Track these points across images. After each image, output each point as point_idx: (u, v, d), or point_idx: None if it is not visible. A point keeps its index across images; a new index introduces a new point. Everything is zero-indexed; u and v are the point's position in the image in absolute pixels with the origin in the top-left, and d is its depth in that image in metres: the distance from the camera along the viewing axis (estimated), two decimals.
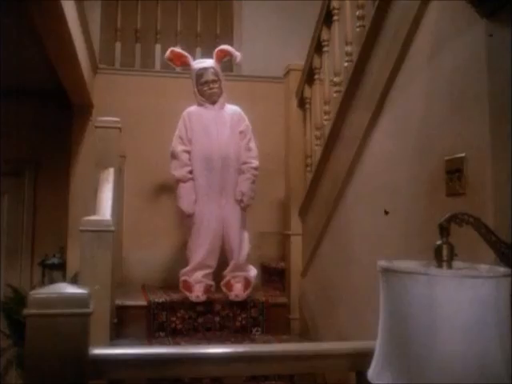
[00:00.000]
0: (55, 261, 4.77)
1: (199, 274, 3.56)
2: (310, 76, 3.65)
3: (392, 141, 2.44)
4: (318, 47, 3.47)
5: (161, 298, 3.64)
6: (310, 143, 3.67)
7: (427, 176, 2.07)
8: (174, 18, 5.01)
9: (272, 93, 4.51)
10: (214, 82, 3.62)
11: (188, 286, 3.54)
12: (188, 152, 3.60)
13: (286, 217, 3.93)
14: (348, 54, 2.97)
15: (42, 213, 5.36)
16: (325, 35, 3.35)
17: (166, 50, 4.92)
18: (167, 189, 4.32)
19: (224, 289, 3.60)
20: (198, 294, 3.52)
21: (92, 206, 2.81)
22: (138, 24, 4.96)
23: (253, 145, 3.70)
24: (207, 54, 5.06)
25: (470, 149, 1.78)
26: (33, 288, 3.61)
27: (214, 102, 3.65)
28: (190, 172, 3.58)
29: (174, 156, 3.62)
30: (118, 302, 3.42)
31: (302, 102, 3.78)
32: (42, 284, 4.50)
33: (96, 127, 3.24)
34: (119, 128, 3.24)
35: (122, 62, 4.89)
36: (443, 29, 2.00)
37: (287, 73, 3.94)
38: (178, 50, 3.78)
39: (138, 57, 4.93)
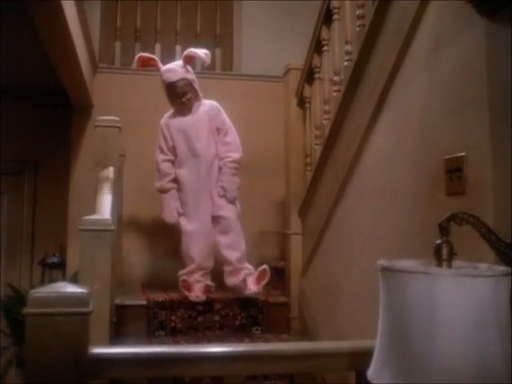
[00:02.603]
0: (55, 260, 4.78)
1: (197, 275, 3.57)
2: (309, 75, 3.65)
3: (392, 140, 2.44)
4: (317, 46, 3.47)
5: (160, 297, 3.63)
6: (310, 142, 3.67)
7: (427, 175, 2.07)
8: (174, 17, 5.00)
9: (272, 92, 4.51)
10: (185, 93, 3.52)
11: (188, 286, 3.53)
12: (169, 161, 3.60)
13: (286, 216, 3.93)
14: (348, 53, 2.97)
15: (41, 212, 5.37)
16: (325, 34, 3.35)
17: (166, 49, 4.96)
18: None
19: (242, 285, 3.58)
20: (197, 293, 3.51)
21: (92, 205, 2.81)
22: (138, 23, 4.95)
23: (230, 138, 3.64)
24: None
25: (469, 148, 1.78)
26: (33, 287, 3.61)
27: (189, 110, 3.60)
28: (173, 181, 3.59)
29: (156, 167, 3.66)
30: (118, 301, 3.42)
31: (302, 102, 3.78)
32: (42, 283, 4.51)
33: (96, 126, 3.24)
34: (119, 127, 3.24)
35: (121, 62, 4.89)
36: (443, 28, 2.00)
37: (287, 72, 3.93)
38: (144, 54, 3.64)
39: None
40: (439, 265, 1.23)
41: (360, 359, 1.51)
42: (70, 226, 4.33)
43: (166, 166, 3.60)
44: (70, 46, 3.41)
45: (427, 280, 1.13)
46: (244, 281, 3.56)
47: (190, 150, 3.55)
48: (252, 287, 3.54)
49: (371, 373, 1.26)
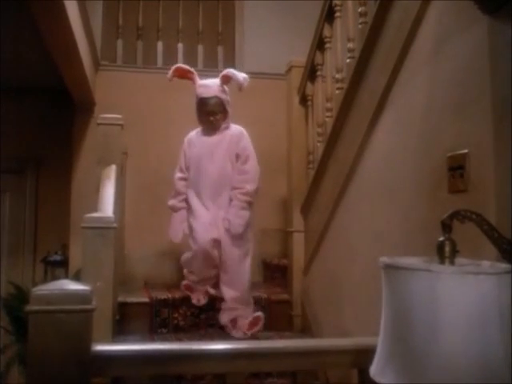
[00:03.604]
0: (57, 258, 4.77)
1: (199, 284, 3.53)
2: (312, 73, 3.64)
3: (394, 137, 2.44)
4: (320, 44, 3.46)
5: (163, 294, 3.64)
6: (312, 140, 3.66)
7: (429, 173, 2.07)
8: (176, 15, 5.00)
9: (274, 90, 4.51)
10: (215, 113, 3.33)
11: (190, 288, 3.53)
12: (185, 180, 3.48)
13: (288, 214, 3.93)
14: (350, 50, 2.97)
15: (44, 210, 5.37)
16: (327, 32, 3.35)
17: (168, 47, 4.96)
18: (169, 186, 4.31)
19: (229, 325, 3.34)
20: (199, 297, 3.50)
21: (94, 203, 2.81)
22: (140, 21, 4.95)
23: (249, 167, 3.38)
24: (209, 52, 5.10)
25: (472, 145, 1.78)
26: (35, 285, 3.61)
27: (214, 130, 3.40)
28: (183, 200, 3.47)
29: (173, 183, 3.54)
30: (121, 298, 3.43)
31: (304, 99, 3.78)
32: (45, 281, 4.50)
33: (98, 124, 3.23)
34: (121, 125, 3.24)
35: (123, 59, 4.90)
36: (445, 26, 2.00)
37: (289, 70, 3.93)
38: (182, 66, 3.44)
39: (140, 54, 4.93)
40: (442, 262, 1.23)
41: (362, 356, 1.51)
42: (73, 224, 4.33)
43: (181, 185, 3.48)
44: (72, 44, 3.41)
45: (429, 277, 1.13)
46: (234, 321, 3.32)
47: (200, 171, 3.39)
48: (240, 332, 3.28)
49: (374, 370, 1.26)
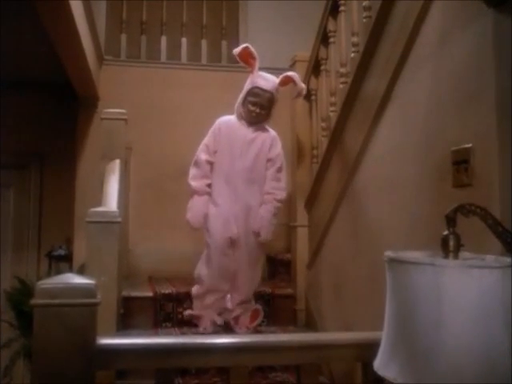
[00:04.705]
0: (61, 252, 4.80)
1: (210, 299, 3.26)
2: (316, 67, 3.64)
3: (398, 132, 2.44)
4: (324, 38, 3.46)
5: (167, 289, 3.65)
6: (316, 135, 3.66)
7: (433, 167, 2.06)
8: (180, 9, 5.00)
9: None
10: (263, 107, 3.20)
11: (196, 316, 3.31)
12: (211, 164, 3.25)
13: (292, 208, 3.92)
14: (354, 44, 2.96)
15: (48, 205, 5.39)
16: (331, 26, 3.34)
17: (172, 41, 4.95)
18: (173, 180, 4.32)
19: (232, 322, 3.30)
20: (205, 325, 3.24)
21: (98, 197, 2.82)
22: (144, 16, 4.95)
23: (282, 175, 3.30)
24: (213, 46, 5.09)
25: (476, 139, 1.77)
26: (39, 279, 3.63)
27: (251, 124, 3.25)
28: (209, 185, 3.24)
29: (196, 164, 3.26)
30: (125, 293, 3.44)
31: (308, 94, 3.77)
32: (49, 275, 4.51)
33: (102, 119, 3.24)
34: (125, 120, 3.24)
35: (127, 54, 4.89)
36: (450, 19, 1.99)
37: (293, 64, 3.92)
38: (251, 49, 3.25)
39: (144, 48, 4.93)
40: (446, 256, 1.23)
41: (366, 350, 1.51)
42: (77, 219, 4.34)
43: (208, 168, 3.24)
44: (76, 39, 3.42)
45: (434, 271, 1.13)
46: (236, 318, 3.29)
47: (232, 161, 3.22)
48: (243, 328, 3.26)
49: (377, 364, 1.26)
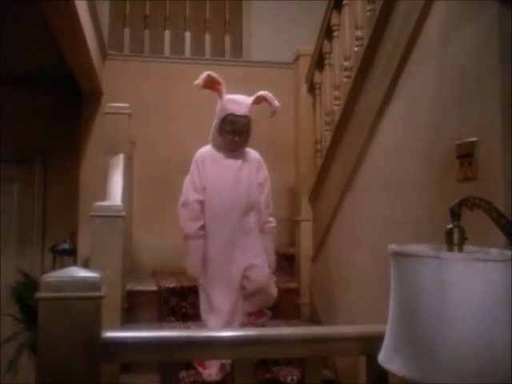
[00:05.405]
0: (66, 246, 4.80)
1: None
2: (319, 61, 3.63)
3: (402, 126, 2.43)
4: (327, 32, 3.45)
5: (171, 283, 3.65)
6: (320, 129, 3.66)
7: (437, 161, 2.06)
8: (183, 3, 5.00)
9: (281, 78, 4.49)
10: (241, 133, 2.99)
11: (200, 362, 2.97)
12: (202, 202, 3.03)
13: (296, 202, 3.92)
14: (358, 38, 2.95)
15: (52, 199, 5.40)
16: (335, 19, 3.33)
17: (175, 36, 4.95)
18: (177, 175, 4.31)
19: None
20: (210, 372, 2.94)
21: (102, 191, 2.82)
22: (147, 10, 4.95)
23: (269, 200, 3.16)
24: (216, 41, 5.08)
25: (481, 133, 1.77)
26: (44, 273, 3.64)
27: (232, 151, 3.05)
28: (202, 227, 3.02)
29: (185, 205, 3.05)
30: (129, 287, 3.45)
31: (312, 88, 3.76)
32: (53, 270, 4.53)
33: (105, 113, 3.24)
34: (129, 114, 3.24)
35: (131, 49, 4.90)
36: (454, 12, 1.99)
37: (297, 58, 3.91)
38: (214, 76, 3.00)
39: (147, 43, 4.93)
40: (450, 249, 1.23)
41: (370, 344, 1.52)
42: (81, 213, 4.35)
43: (199, 208, 3.02)
44: (80, 34, 3.42)
45: (438, 264, 1.13)
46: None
47: (223, 197, 3.01)
48: (245, 321, 3.12)
49: (382, 357, 1.27)
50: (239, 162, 3.06)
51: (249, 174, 3.06)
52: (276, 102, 3.06)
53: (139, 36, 4.92)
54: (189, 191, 3.05)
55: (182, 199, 3.06)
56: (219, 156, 3.06)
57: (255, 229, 3.08)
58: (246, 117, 2.98)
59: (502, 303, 1.12)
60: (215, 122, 3.02)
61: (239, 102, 3.02)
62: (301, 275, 3.77)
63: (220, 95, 3.02)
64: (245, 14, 5.38)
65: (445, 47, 2.04)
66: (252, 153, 3.14)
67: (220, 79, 3.01)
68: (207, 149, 3.11)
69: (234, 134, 2.98)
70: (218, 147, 3.06)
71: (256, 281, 3.02)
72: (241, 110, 2.98)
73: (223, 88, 3.02)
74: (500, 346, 1.11)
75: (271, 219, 3.18)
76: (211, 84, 3.01)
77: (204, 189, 3.03)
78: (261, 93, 3.06)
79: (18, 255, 5.34)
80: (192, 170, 3.08)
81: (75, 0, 3.02)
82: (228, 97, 3.02)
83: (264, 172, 3.15)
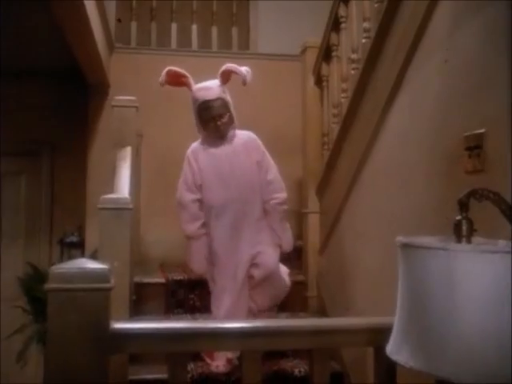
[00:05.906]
0: (74, 239, 4.81)
1: None
2: (327, 53, 3.62)
3: (410, 118, 2.43)
4: (335, 24, 3.44)
5: (179, 275, 3.66)
6: (327, 121, 3.65)
7: (445, 153, 2.06)
8: None
9: (289, 71, 4.49)
10: (221, 115, 2.92)
11: (209, 354, 3.00)
12: (199, 200, 3.00)
13: (303, 195, 3.92)
14: (366, 30, 2.94)
15: (59, 192, 5.41)
16: (342, 11, 3.32)
17: (182, 28, 4.94)
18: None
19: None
20: (218, 363, 2.94)
21: (110, 184, 2.83)
22: (154, 3, 4.94)
23: (273, 175, 3.04)
24: (223, 33, 5.07)
25: (489, 125, 1.76)
26: (52, 266, 3.66)
27: (222, 137, 2.98)
28: (203, 226, 2.99)
29: (181, 206, 3.02)
30: (137, 279, 3.46)
31: (319, 80, 3.76)
32: (61, 262, 4.56)
33: (113, 106, 3.24)
34: (136, 107, 3.24)
35: (137, 41, 4.89)
36: (462, 4, 1.98)
37: (304, 50, 3.90)
38: (174, 69, 3.01)
39: (154, 36, 4.92)
40: (459, 241, 1.23)
41: (378, 335, 1.52)
42: (89, 206, 4.36)
43: (196, 208, 2.99)
44: (87, 27, 3.42)
45: (446, 256, 1.13)
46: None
47: (223, 190, 2.95)
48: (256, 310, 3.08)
49: (390, 348, 1.27)
50: (231, 147, 3.00)
51: (244, 157, 2.99)
52: (243, 69, 2.95)
53: (146, 29, 4.91)
54: (182, 191, 3.03)
55: (176, 198, 3.05)
56: (210, 148, 3.01)
57: (260, 213, 3.02)
58: (218, 99, 2.92)
59: (510, 294, 1.12)
60: (194, 115, 2.99)
61: (207, 86, 2.97)
62: (308, 268, 3.77)
63: (189, 87, 3.00)
64: (252, 6, 5.35)
65: (452, 39, 2.03)
66: (243, 134, 3.07)
67: (184, 72, 3.00)
68: (197, 144, 3.08)
69: (214, 120, 2.92)
70: (207, 139, 3.02)
71: (264, 267, 2.97)
72: (211, 94, 2.93)
73: (190, 80, 3.00)
74: (508, 337, 1.11)
75: (277, 195, 3.03)
76: (176, 78, 3.00)
77: (200, 186, 2.99)
78: (223, 67, 2.98)
79: (26, 248, 5.36)
80: (184, 169, 3.05)
81: None
82: (196, 86, 2.99)
83: (260, 149, 3.05)
